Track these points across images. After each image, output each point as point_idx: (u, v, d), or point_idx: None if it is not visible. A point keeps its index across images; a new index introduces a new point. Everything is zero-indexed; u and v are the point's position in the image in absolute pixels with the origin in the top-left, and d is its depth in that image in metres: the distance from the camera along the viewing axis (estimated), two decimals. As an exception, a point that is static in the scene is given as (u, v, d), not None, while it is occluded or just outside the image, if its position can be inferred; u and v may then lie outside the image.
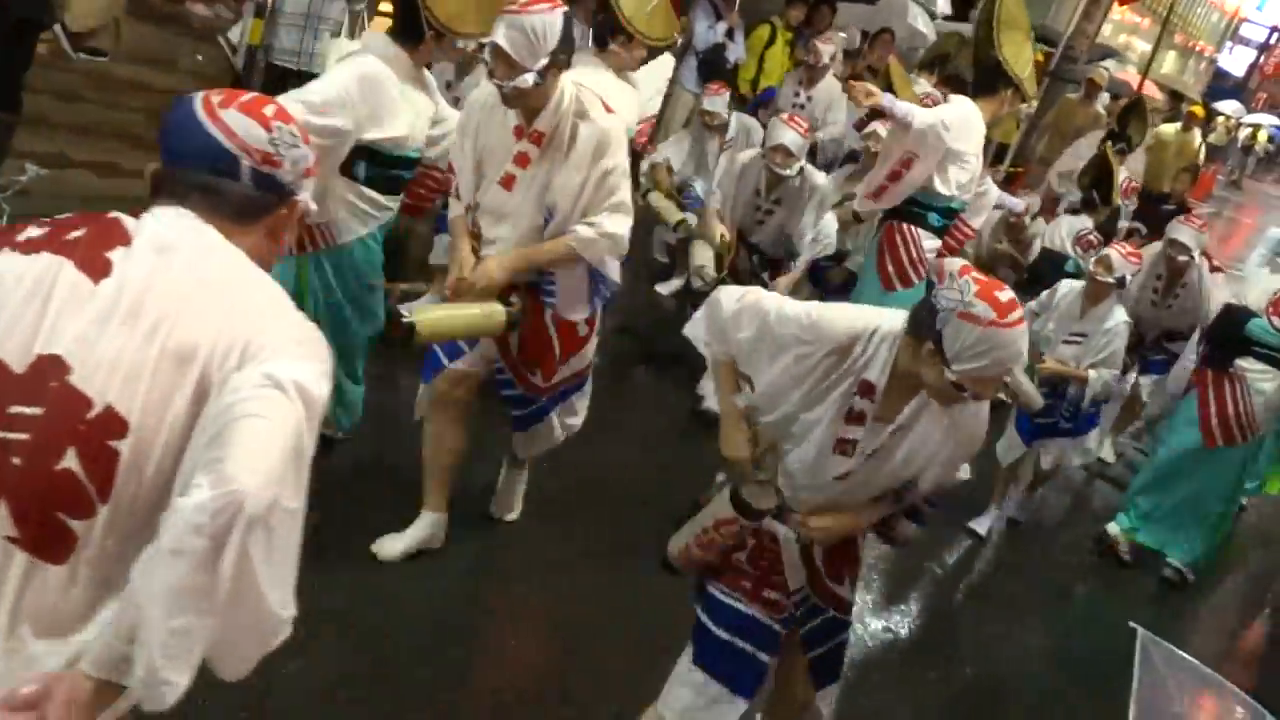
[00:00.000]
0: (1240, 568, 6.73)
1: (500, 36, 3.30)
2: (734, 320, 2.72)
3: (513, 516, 4.47)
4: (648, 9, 4.81)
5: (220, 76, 7.57)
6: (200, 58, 8.50)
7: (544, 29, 3.29)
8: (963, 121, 5.37)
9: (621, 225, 3.59)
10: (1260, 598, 5.85)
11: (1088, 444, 6.00)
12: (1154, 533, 6.01)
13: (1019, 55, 5.52)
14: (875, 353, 2.55)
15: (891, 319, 2.59)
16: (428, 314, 3.61)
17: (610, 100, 4.50)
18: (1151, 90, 24.93)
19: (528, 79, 3.31)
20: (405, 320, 3.46)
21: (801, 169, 5.93)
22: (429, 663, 3.56)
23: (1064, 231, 7.16)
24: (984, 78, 5.61)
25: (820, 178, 6.01)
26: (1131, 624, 3.20)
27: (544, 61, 3.31)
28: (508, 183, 3.55)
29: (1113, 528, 6.08)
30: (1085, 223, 7.18)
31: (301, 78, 6.64)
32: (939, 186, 5.47)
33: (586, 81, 4.92)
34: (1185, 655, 3.17)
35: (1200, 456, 5.81)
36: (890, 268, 5.58)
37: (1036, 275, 7.12)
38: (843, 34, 10.00)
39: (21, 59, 4.59)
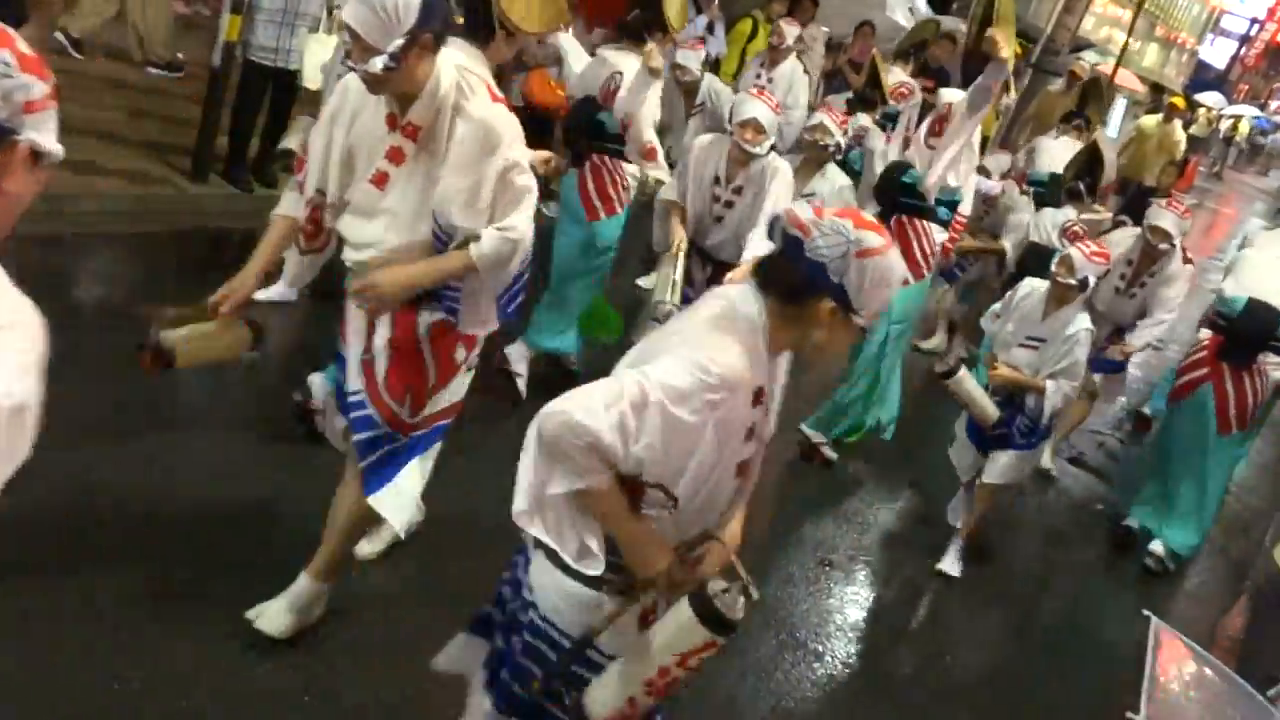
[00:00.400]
0: (1221, 555, 6.76)
1: (348, 13, 2.83)
2: (616, 437, 2.00)
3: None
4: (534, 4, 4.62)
5: (198, 73, 7.56)
6: (180, 55, 8.49)
7: (396, 4, 2.75)
8: None
9: (526, 223, 3.05)
10: (1239, 584, 5.89)
11: (1035, 458, 5.45)
12: (1154, 517, 6.08)
13: (1008, 50, 5.60)
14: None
15: (741, 310, 2.15)
16: (179, 337, 3.15)
17: (632, 86, 5.31)
18: (1133, 82, 25.05)
19: (377, 62, 2.79)
20: (164, 346, 3.05)
21: (772, 148, 5.11)
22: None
23: (1049, 224, 7.13)
24: (976, 72, 5.72)
25: (784, 163, 5.19)
26: (1145, 611, 3.22)
27: (399, 42, 2.77)
28: (380, 180, 3.04)
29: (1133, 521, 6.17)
30: (1070, 214, 7.15)
31: (279, 75, 6.67)
32: (951, 179, 5.71)
33: (623, 67, 5.40)
34: (1195, 644, 3.19)
35: (1208, 445, 5.89)
36: (919, 256, 5.71)
37: (1024, 269, 7.13)
38: (825, 28, 10.01)
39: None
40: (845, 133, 5.71)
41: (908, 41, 9.68)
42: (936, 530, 5.56)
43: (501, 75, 5.05)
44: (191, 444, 4.30)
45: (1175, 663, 3.13)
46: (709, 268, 5.21)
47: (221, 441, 4.37)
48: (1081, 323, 4.95)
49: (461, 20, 3.64)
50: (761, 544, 5.23)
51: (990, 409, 5.01)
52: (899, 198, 5.75)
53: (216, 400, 4.75)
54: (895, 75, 9.00)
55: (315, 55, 6.74)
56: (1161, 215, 6.11)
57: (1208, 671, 3.17)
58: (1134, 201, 9.83)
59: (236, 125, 6.81)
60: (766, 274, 2.17)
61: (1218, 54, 43.12)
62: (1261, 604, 3.95)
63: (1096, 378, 6.55)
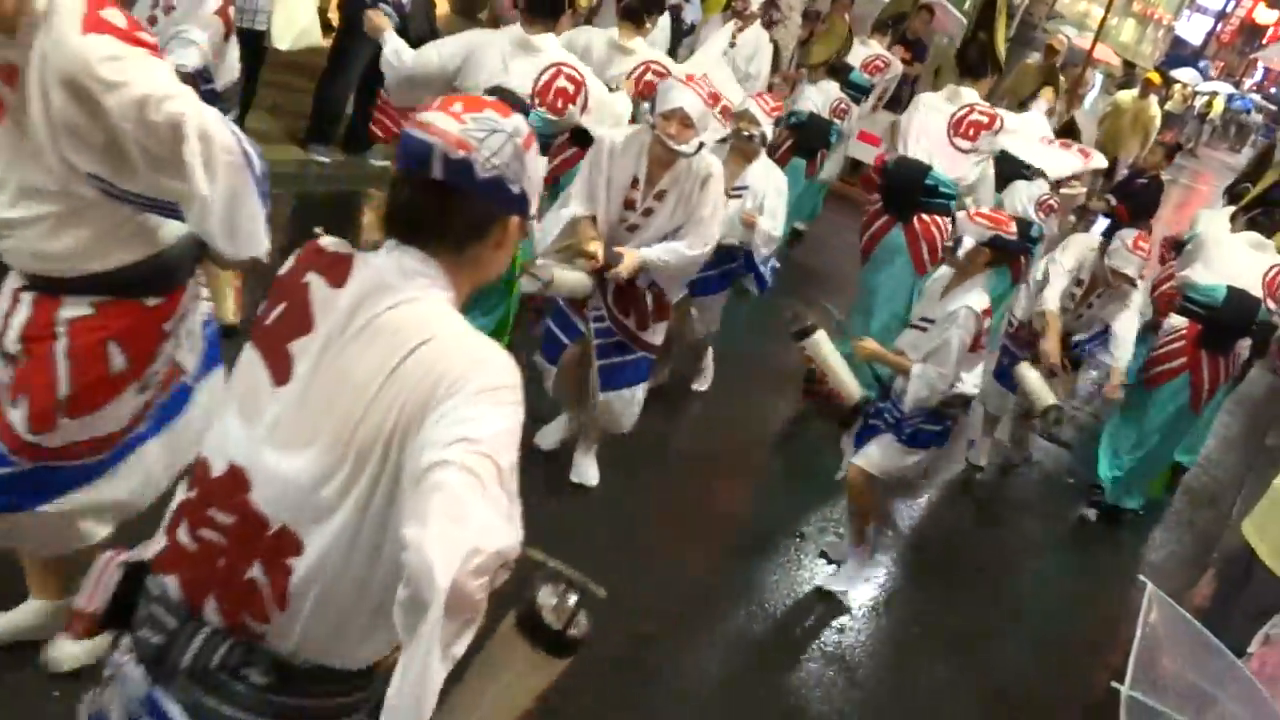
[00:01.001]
0: (1189, 527, 6.82)
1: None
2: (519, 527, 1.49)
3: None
4: None
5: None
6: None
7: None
8: None
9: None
10: (1205, 556, 5.94)
11: (912, 456, 4.47)
12: (1115, 481, 6.19)
13: (1002, 38, 5.87)
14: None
15: (433, 292, 1.66)
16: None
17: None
18: (1109, 57, 25.03)
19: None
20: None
21: (700, 147, 4.15)
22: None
23: (1024, 197, 7.10)
24: (973, 60, 6.04)
25: (718, 164, 4.33)
26: (1141, 578, 3.22)
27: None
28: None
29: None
30: (1044, 188, 7.13)
31: (246, 35, 6.53)
32: (962, 173, 5.96)
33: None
34: (1187, 615, 3.20)
35: (1179, 424, 6.10)
36: (925, 254, 5.93)
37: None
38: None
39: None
40: (778, 121, 5.60)
41: (886, 13, 9.63)
42: (910, 507, 5.57)
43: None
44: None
45: (1164, 630, 3.13)
46: (609, 292, 4.34)
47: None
48: (964, 300, 4.23)
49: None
50: (733, 515, 5.23)
51: (850, 383, 4.38)
52: (922, 198, 5.94)
53: None
54: (872, 48, 8.96)
55: (285, 15, 6.60)
56: (1127, 260, 5.61)
57: (1193, 638, 3.17)
58: (1124, 185, 9.81)
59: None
60: (424, 224, 1.67)
61: (1194, 30, 43.18)
62: (1228, 577, 3.97)
63: None
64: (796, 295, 7.78)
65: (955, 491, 6.12)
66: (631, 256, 4.18)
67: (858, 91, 8.74)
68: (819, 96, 8.30)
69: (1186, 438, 6.59)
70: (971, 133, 5.91)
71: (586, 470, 4.75)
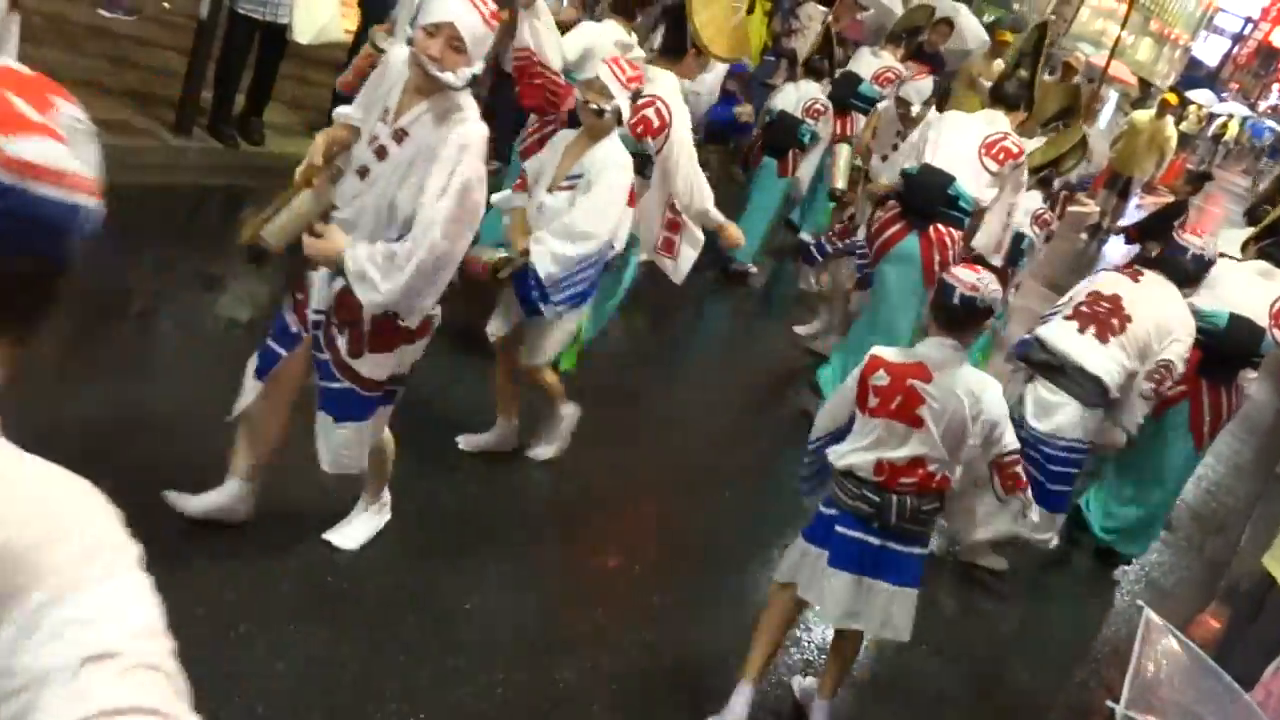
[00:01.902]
0: (1197, 554, 6.77)
1: None
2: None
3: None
4: (725, 29, 5.11)
5: (186, 24, 7.41)
6: (167, 4, 8.33)
7: None
8: None
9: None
10: (1214, 584, 5.91)
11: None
12: (1108, 525, 5.94)
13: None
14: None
15: None
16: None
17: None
18: (1125, 75, 25.01)
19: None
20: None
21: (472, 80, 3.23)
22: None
23: (1020, 211, 7.03)
24: (1012, 95, 6.15)
25: (474, 128, 3.23)
26: (1139, 603, 3.22)
27: None
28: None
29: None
30: (1039, 200, 7.07)
31: (268, 28, 6.54)
32: (981, 194, 5.91)
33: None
34: (1185, 639, 3.19)
35: (1179, 460, 5.80)
36: (938, 266, 5.79)
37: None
38: (822, 8, 9.89)
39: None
40: (639, 92, 4.36)
41: (900, 26, 9.54)
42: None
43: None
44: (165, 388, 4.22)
45: (1162, 654, 3.12)
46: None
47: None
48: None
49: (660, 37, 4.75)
50: (734, 479, 5.18)
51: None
52: (939, 207, 5.87)
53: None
54: (884, 59, 8.90)
55: (306, 10, 6.60)
56: None
57: (1192, 663, 3.16)
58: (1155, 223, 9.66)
59: (222, 79, 6.68)
60: None
61: (1210, 51, 43.18)
62: (1239, 607, 3.93)
63: None
64: (795, 314, 7.76)
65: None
66: (333, 242, 3.23)
67: (866, 103, 8.69)
68: (794, 94, 8.22)
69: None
70: (1001, 157, 5.88)
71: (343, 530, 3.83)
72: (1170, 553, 6.58)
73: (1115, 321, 4.96)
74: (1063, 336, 4.97)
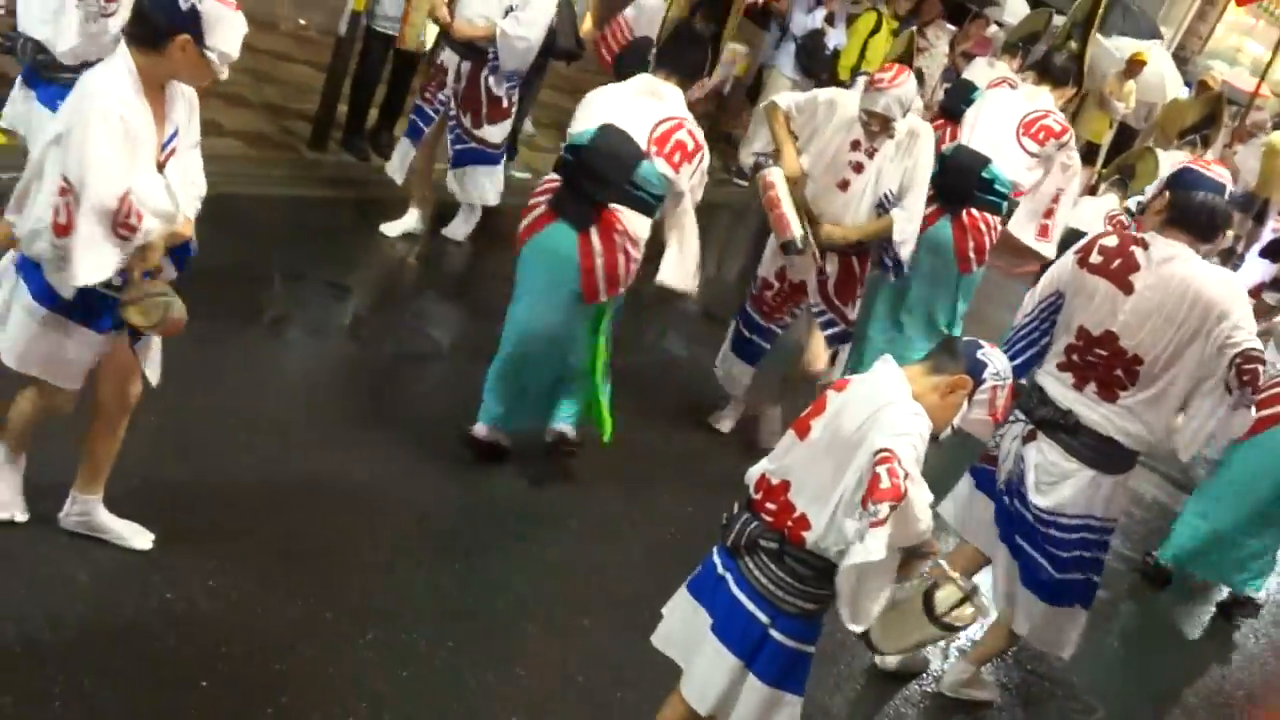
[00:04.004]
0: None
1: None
2: None
3: None
4: None
5: (322, 40, 7.65)
6: (303, 21, 8.61)
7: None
8: None
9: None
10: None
11: None
12: (1213, 566, 5.57)
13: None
14: None
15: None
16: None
17: None
18: (1268, 94, 24.17)
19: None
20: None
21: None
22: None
23: (1089, 213, 6.69)
24: (1059, 68, 5.80)
25: None
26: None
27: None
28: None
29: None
30: (1113, 203, 6.79)
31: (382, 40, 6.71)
32: (1019, 177, 5.60)
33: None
34: None
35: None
36: (972, 253, 5.55)
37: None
38: (950, 25, 9.76)
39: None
40: None
41: (1017, 34, 9.26)
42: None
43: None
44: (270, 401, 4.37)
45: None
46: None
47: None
48: None
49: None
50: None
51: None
52: (976, 191, 5.53)
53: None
54: (999, 69, 8.65)
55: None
56: None
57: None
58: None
59: (356, 95, 6.87)
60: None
61: (1355, 69, 41.45)
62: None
63: None
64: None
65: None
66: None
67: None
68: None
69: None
70: (1041, 136, 5.59)
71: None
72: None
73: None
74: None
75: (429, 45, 6.66)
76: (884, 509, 2.46)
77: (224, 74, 2.88)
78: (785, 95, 4.81)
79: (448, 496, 4.23)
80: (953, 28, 9.66)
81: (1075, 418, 3.61)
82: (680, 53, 4.38)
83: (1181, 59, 14.13)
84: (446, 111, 5.94)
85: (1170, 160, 7.88)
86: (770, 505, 2.71)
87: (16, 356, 3.00)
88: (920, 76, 8.92)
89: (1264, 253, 10.37)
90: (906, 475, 2.49)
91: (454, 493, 4.26)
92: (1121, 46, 11.85)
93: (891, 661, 4.06)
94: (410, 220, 6.23)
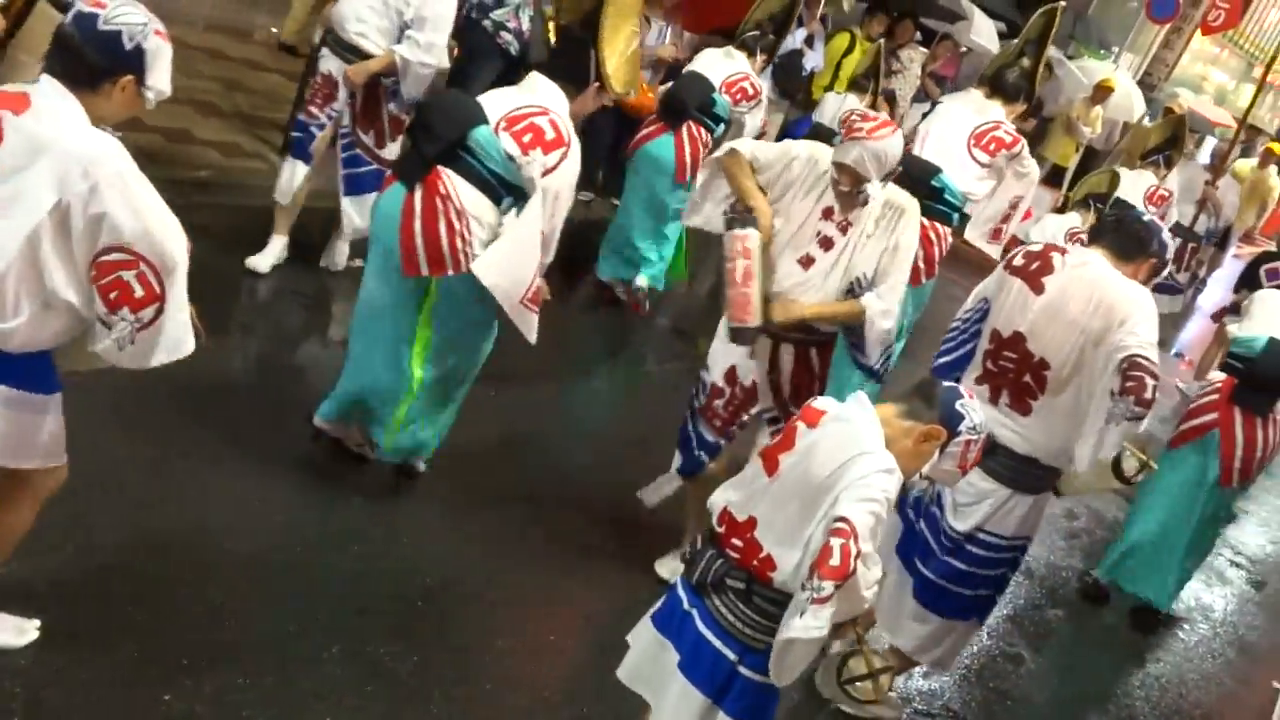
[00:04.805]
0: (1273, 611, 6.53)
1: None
2: None
3: None
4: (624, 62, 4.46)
5: (296, 47, 7.63)
6: (275, 30, 8.59)
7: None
8: None
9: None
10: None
11: None
12: (1130, 577, 5.58)
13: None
14: None
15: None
16: None
17: None
18: (1226, 119, 24.55)
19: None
20: None
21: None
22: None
23: (1052, 229, 6.83)
24: (1011, 84, 5.81)
25: None
26: (1275, 684, 3.05)
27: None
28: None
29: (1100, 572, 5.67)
30: (1075, 221, 6.89)
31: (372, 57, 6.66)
32: (970, 188, 5.60)
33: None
34: None
35: (1203, 496, 5.36)
36: (922, 263, 5.37)
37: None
38: (924, 49, 9.87)
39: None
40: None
41: (991, 69, 9.39)
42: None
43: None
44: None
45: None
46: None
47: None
48: None
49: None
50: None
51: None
52: (926, 200, 5.19)
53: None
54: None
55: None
56: None
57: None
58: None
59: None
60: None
61: (1316, 99, 42.14)
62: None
63: None
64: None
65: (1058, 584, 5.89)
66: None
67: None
68: (835, 105, 8.04)
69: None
70: (992, 148, 5.60)
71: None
72: (1263, 614, 6.37)
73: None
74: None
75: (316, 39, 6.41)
76: (829, 587, 2.41)
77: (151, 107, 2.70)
78: (745, 142, 4.04)
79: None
80: (925, 50, 9.78)
81: (992, 438, 3.35)
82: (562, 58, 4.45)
83: (1148, 86, 14.33)
84: (339, 127, 5.46)
85: (1133, 180, 8.04)
86: (736, 541, 2.67)
87: (17, 455, 2.71)
88: (893, 98, 9.03)
89: (1238, 285, 10.44)
90: (858, 554, 2.44)
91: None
92: (1088, 69, 12.03)
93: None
94: (277, 247, 5.63)
